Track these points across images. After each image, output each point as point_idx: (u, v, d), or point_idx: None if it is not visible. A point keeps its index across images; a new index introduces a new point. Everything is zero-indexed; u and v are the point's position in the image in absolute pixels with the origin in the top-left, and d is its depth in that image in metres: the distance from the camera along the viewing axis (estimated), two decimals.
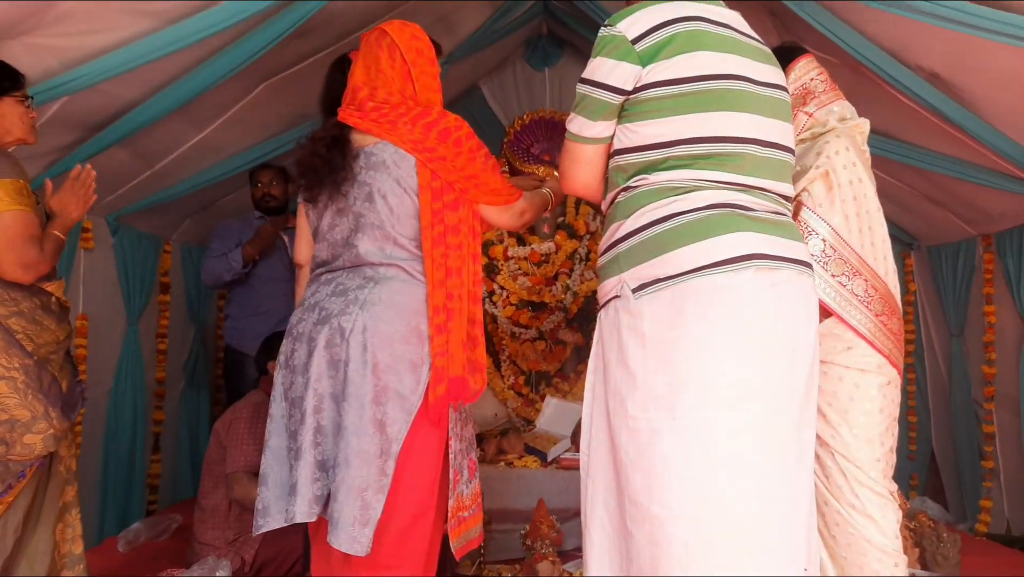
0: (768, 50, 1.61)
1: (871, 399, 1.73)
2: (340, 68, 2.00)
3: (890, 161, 3.10)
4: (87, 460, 3.01)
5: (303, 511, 1.61)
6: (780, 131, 1.53)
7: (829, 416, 1.73)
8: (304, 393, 1.67)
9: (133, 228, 3.33)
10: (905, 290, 4.11)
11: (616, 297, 1.49)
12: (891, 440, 1.76)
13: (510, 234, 3.45)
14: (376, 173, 1.73)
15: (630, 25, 1.48)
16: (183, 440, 3.81)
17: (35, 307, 1.88)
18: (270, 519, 1.66)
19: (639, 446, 1.40)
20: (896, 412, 1.77)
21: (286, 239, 3.40)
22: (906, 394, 4.11)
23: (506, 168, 3.66)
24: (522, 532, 2.66)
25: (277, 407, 1.75)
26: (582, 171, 1.61)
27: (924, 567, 2.81)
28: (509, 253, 3.37)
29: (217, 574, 2.14)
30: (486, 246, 3.43)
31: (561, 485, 2.97)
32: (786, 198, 1.56)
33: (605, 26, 1.53)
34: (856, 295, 1.73)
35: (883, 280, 1.76)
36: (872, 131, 2.76)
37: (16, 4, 1.93)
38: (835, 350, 1.73)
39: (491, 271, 3.81)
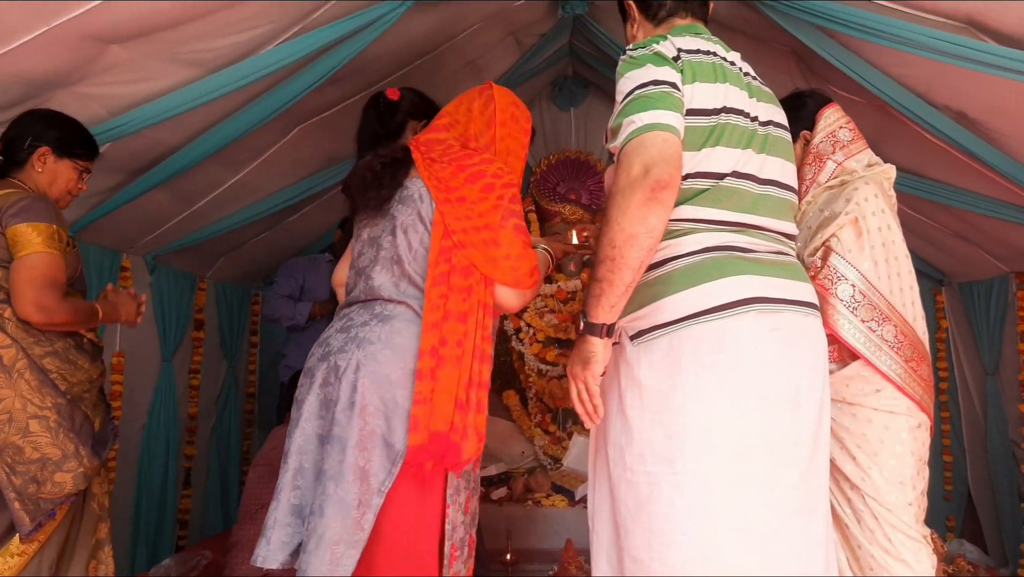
0: (768, 89, 1.60)
1: (902, 441, 1.71)
2: (373, 107, 2.10)
3: (918, 199, 3.09)
4: (121, 495, 3.06)
5: (263, 555, 1.52)
6: (780, 169, 1.51)
7: (859, 459, 1.71)
8: (292, 431, 1.60)
9: (169, 267, 3.42)
10: (936, 327, 4.05)
11: (616, 344, 1.44)
12: (922, 483, 1.75)
13: None
14: (403, 207, 1.68)
15: (660, 47, 1.45)
16: (213, 475, 3.85)
17: (69, 347, 1.94)
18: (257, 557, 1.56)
19: (638, 500, 1.35)
20: (926, 455, 1.76)
21: None
22: (940, 433, 4.02)
23: (532, 208, 3.70)
24: (550, 573, 2.64)
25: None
26: (672, 164, 1.32)
27: None
28: None
29: None
30: None
31: (589, 525, 2.95)
32: (788, 237, 1.52)
33: (632, 50, 1.47)
34: (886, 340, 1.72)
35: (911, 326, 1.76)
36: (899, 169, 2.75)
37: (68, 56, 2.03)
38: (863, 392, 1.73)
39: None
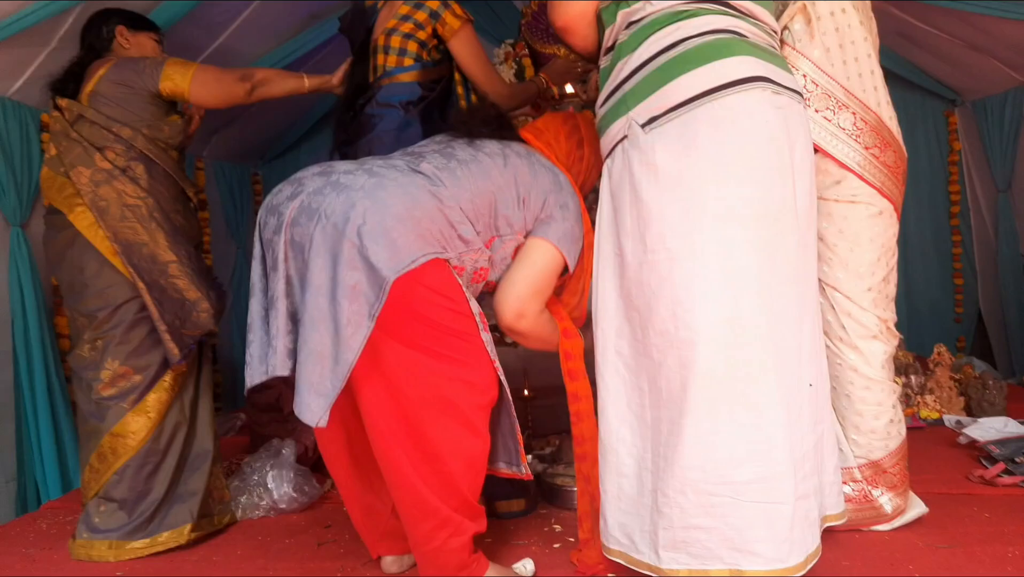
0: None
1: (861, 229, 1.73)
2: None
3: (925, 6, 2.94)
4: None
5: (273, 364, 1.48)
6: None
7: (820, 250, 1.73)
8: (273, 237, 1.51)
9: None
10: (949, 149, 3.98)
11: (623, 139, 1.50)
12: (883, 270, 1.76)
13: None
14: (518, 159, 1.73)
15: None
16: (237, 349, 3.97)
17: (188, 208, 2.17)
18: (253, 373, 1.53)
19: (660, 277, 1.43)
20: (890, 243, 1.77)
21: None
22: (951, 257, 4.03)
23: (525, 52, 3.56)
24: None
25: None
26: None
27: (970, 415, 2.82)
28: None
29: (283, 452, 2.27)
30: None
31: (593, 323, 2.99)
32: (775, 32, 1.58)
33: None
34: (843, 128, 1.71)
35: (875, 112, 1.73)
36: None
37: None
38: (824, 185, 1.73)
39: None
